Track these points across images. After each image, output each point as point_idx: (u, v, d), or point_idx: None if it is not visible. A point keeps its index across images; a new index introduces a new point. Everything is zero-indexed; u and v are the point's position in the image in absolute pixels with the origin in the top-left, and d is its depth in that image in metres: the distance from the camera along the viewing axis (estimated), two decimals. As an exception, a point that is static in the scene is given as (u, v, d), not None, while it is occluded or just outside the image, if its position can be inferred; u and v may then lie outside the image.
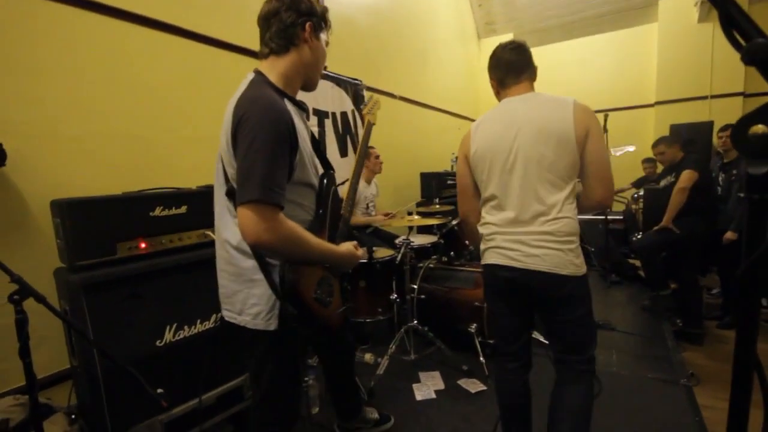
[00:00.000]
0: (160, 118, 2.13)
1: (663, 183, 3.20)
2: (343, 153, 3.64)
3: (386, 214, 3.34)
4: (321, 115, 3.36)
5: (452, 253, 3.08)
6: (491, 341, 2.43)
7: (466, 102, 6.62)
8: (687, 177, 2.81)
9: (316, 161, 1.22)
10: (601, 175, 1.33)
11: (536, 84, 1.46)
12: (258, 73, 1.10)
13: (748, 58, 0.49)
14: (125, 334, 1.44)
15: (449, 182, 4.41)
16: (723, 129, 3.48)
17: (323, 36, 1.18)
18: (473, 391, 2.20)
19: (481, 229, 1.46)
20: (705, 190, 2.86)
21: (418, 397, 2.18)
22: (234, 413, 1.79)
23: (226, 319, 1.16)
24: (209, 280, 1.65)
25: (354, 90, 3.73)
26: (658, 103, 5.82)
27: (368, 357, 2.51)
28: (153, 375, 1.41)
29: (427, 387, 2.26)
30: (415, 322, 2.55)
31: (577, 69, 6.56)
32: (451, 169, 5.01)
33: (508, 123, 1.36)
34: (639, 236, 3.35)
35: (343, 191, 1.30)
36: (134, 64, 2.02)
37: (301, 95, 1.21)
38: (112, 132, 1.93)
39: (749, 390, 0.58)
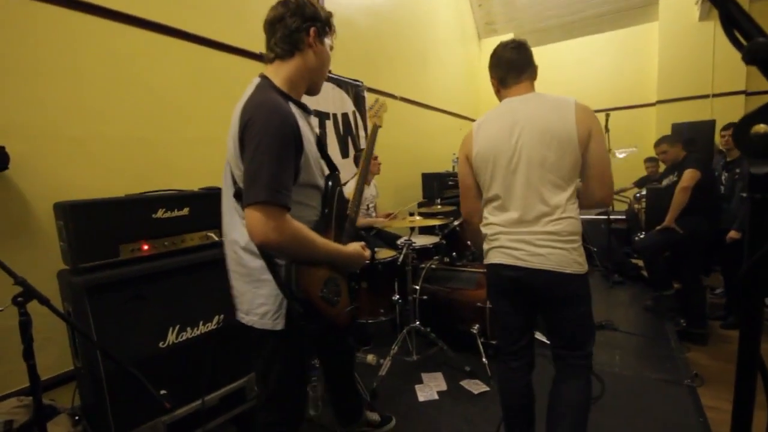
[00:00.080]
0: (162, 121, 2.14)
1: (665, 182, 3.19)
2: (344, 154, 3.65)
3: (387, 215, 3.34)
4: (322, 116, 3.37)
5: (454, 253, 3.08)
6: (494, 342, 2.42)
7: (467, 102, 6.62)
8: (689, 176, 2.80)
9: (322, 163, 1.23)
10: (602, 176, 1.35)
11: (537, 84, 1.46)
12: (263, 78, 1.12)
13: (749, 58, 0.49)
14: (128, 336, 1.45)
15: (450, 183, 4.41)
16: (726, 128, 3.47)
17: (327, 41, 1.19)
18: (476, 392, 2.19)
19: (485, 230, 1.47)
20: (707, 189, 2.85)
21: (421, 398, 2.18)
22: (237, 415, 1.79)
23: (237, 318, 1.18)
24: (211, 282, 1.67)
25: (355, 91, 3.74)
26: (659, 102, 5.81)
27: (370, 358, 2.51)
28: (156, 376, 1.41)
29: (430, 388, 2.26)
30: (418, 323, 2.55)
31: (577, 69, 6.56)
32: (453, 169, 5.01)
33: (511, 124, 1.36)
34: (641, 236, 3.34)
35: (347, 192, 1.31)
36: (136, 66, 2.03)
37: (303, 97, 1.22)
38: (114, 134, 1.94)
39: (753, 391, 0.58)
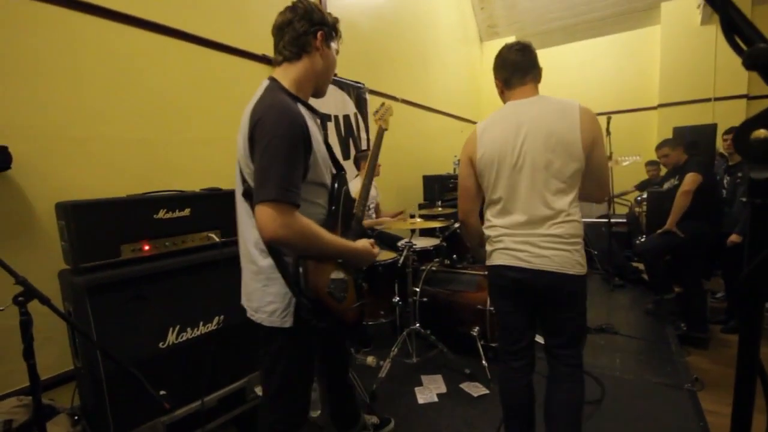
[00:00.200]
0: (162, 121, 2.15)
1: (666, 186, 3.19)
2: (346, 156, 3.65)
3: (396, 215, 3.31)
4: (324, 118, 3.38)
5: (455, 255, 3.08)
6: (494, 345, 2.42)
7: (469, 105, 6.62)
8: (691, 180, 2.80)
9: (329, 162, 1.26)
10: (601, 181, 1.43)
11: (539, 87, 1.47)
12: (272, 80, 1.16)
13: (749, 63, 0.49)
14: (128, 336, 1.45)
15: (451, 185, 4.41)
16: (728, 132, 3.47)
17: (334, 45, 1.23)
18: (476, 395, 2.19)
19: (488, 231, 1.49)
20: (709, 192, 2.85)
21: (421, 400, 2.18)
22: (236, 415, 1.79)
23: (247, 315, 1.21)
24: (212, 283, 1.67)
25: (357, 93, 3.75)
26: (661, 105, 5.81)
27: (370, 360, 2.50)
28: (155, 377, 1.42)
29: (430, 390, 2.26)
30: (418, 325, 2.55)
31: (579, 72, 6.56)
32: (454, 171, 5.01)
33: (516, 127, 1.37)
34: (642, 239, 3.34)
35: (352, 191, 1.33)
36: (137, 67, 2.03)
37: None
38: (115, 135, 1.95)
39: (753, 395, 0.58)
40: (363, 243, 1.24)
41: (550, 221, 1.34)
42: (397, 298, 2.71)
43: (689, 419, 1.93)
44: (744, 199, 2.95)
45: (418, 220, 2.76)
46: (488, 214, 1.49)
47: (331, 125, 3.47)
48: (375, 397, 2.16)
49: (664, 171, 3.52)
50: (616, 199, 4.84)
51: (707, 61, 5.36)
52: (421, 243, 3.06)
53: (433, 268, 2.87)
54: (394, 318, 2.76)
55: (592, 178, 1.39)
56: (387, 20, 4.31)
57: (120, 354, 1.34)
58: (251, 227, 1.11)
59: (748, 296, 0.57)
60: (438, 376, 2.40)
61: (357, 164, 3.42)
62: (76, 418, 1.51)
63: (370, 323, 2.69)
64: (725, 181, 3.36)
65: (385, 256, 2.75)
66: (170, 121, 2.18)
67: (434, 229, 3.30)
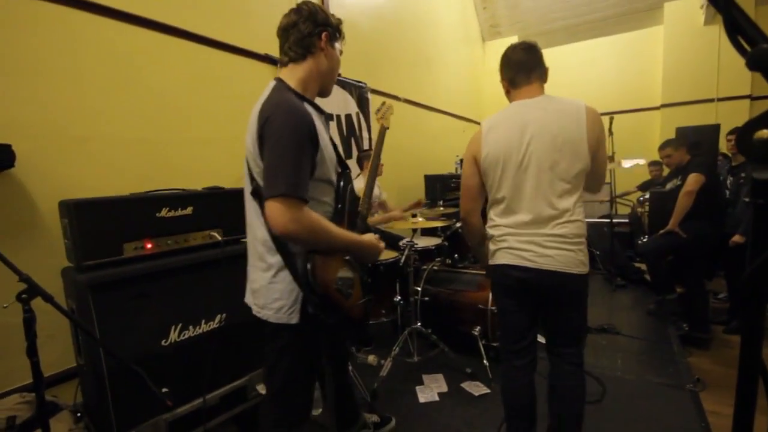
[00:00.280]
0: (166, 120, 2.15)
1: (669, 186, 3.18)
2: (348, 155, 3.65)
3: (413, 206, 3.25)
4: (326, 117, 3.37)
5: (456, 255, 3.08)
6: (495, 344, 2.42)
7: (470, 104, 6.61)
8: (694, 180, 2.79)
9: (335, 160, 1.28)
10: (601, 179, 1.49)
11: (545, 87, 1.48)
12: (279, 81, 1.18)
13: (752, 64, 0.49)
14: (131, 334, 1.46)
15: (453, 184, 4.41)
16: (732, 132, 3.45)
17: (338, 45, 1.26)
18: (476, 394, 2.19)
19: (491, 231, 1.49)
20: (712, 193, 2.84)
21: (421, 399, 2.18)
22: (238, 413, 1.79)
23: (253, 312, 1.22)
24: (214, 281, 1.68)
25: (359, 93, 3.75)
26: (663, 105, 5.79)
27: (371, 359, 2.51)
28: (158, 374, 1.42)
29: (431, 389, 2.26)
30: (419, 324, 2.55)
31: (582, 72, 6.55)
32: (455, 171, 5.01)
33: (521, 126, 1.38)
34: (645, 240, 3.33)
35: (356, 190, 1.35)
36: (140, 66, 2.04)
37: None
38: (119, 134, 1.95)
39: (754, 395, 0.58)
40: (370, 237, 1.26)
41: (555, 221, 1.35)
42: (399, 297, 2.71)
43: (691, 420, 1.92)
44: (747, 200, 2.95)
45: (420, 219, 2.76)
46: (491, 214, 1.50)
47: (333, 124, 3.47)
48: (376, 396, 2.16)
49: (666, 171, 3.51)
50: (618, 200, 4.83)
51: (710, 61, 5.34)
52: (423, 242, 3.06)
53: (435, 268, 2.87)
54: (395, 317, 2.76)
55: (594, 177, 1.43)
56: (389, 19, 4.31)
57: (122, 351, 1.35)
58: (260, 225, 1.13)
59: (750, 297, 0.57)
60: (439, 375, 2.40)
61: (360, 163, 3.42)
62: (78, 414, 1.52)
63: (372, 322, 2.69)
64: (728, 182, 3.35)
65: (387, 255, 2.75)
66: (171, 120, 2.18)
67: (436, 228, 3.30)
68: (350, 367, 1.98)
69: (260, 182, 1.10)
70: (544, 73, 1.46)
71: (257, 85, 2.67)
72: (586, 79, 6.51)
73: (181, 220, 1.64)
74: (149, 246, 1.54)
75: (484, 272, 1.56)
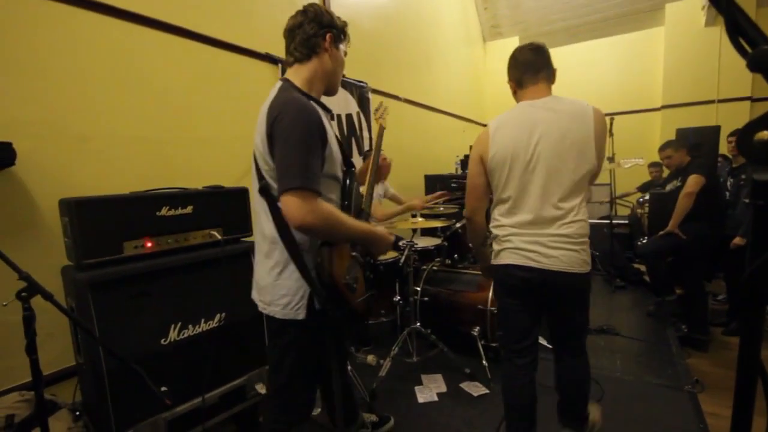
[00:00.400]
0: (167, 119, 2.15)
1: (669, 187, 3.18)
2: (349, 154, 3.65)
3: (438, 197, 3.15)
4: (331, 116, 3.37)
5: (456, 255, 3.08)
6: (494, 345, 2.42)
7: (471, 105, 6.61)
8: (694, 181, 2.79)
9: (341, 158, 1.30)
10: (594, 178, 1.49)
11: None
12: (285, 80, 1.21)
13: (753, 65, 0.49)
14: (130, 332, 1.45)
15: (453, 185, 4.40)
16: (732, 134, 3.45)
17: (342, 47, 1.29)
18: (475, 395, 2.19)
19: (495, 231, 1.50)
20: (712, 195, 2.84)
21: (420, 399, 2.18)
22: (237, 412, 1.79)
23: (259, 309, 1.23)
24: (214, 280, 1.68)
25: (359, 92, 3.74)
26: (664, 106, 5.79)
27: (370, 359, 2.51)
28: (157, 373, 1.42)
29: (430, 390, 2.26)
30: (418, 324, 2.55)
31: (583, 72, 6.54)
32: (456, 171, 5.01)
33: (530, 128, 1.39)
34: (644, 241, 3.33)
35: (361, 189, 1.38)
36: (141, 65, 2.04)
37: None
38: (119, 132, 1.95)
39: (753, 397, 0.58)
40: (381, 228, 1.28)
41: (559, 221, 1.37)
42: (398, 297, 2.71)
43: (689, 421, 1.93)
44: (747, 201, 2.95)
45: (420, 219, 2.76)
46: (496, 213, 1.50)
47: (334, 124, 3.47)
48: (375, 396, 2.16)
49: (666, 172, 3.51)
50: (618, 201, 4.83)
51: (711, 62, 5.34)
52: (423, 242, 3.06)
53: (434, 268, 2.87)
54: (394, 317, 2.76)
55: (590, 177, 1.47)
56: (390, 19, 4.31)
57: (122, 350, 1.34)
58: (267, 221, 1.15)
59: (749, 298, 0.57)
60: (438, 375, 2.40)
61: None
62: (77, 413, 1.52)
63: (371, 322, 2.69)
64: (728, 183, 3.35)
65: (387, 255, 2.75)
66: (172, 119, 2.18)
67: (435, 228, 3.29)
68: (349, 367, 1.99)
69: (269, 180, 1.12)
70: (552, 74, 1.48)
71: (258, 84, 2.68)
72: (587, 80, 6.50)
73: (181, 218, 1.64)
74: (149, 245, 1.54)
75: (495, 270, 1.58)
